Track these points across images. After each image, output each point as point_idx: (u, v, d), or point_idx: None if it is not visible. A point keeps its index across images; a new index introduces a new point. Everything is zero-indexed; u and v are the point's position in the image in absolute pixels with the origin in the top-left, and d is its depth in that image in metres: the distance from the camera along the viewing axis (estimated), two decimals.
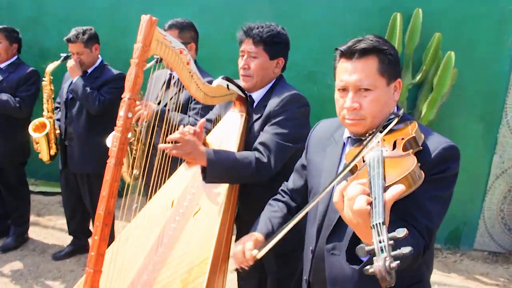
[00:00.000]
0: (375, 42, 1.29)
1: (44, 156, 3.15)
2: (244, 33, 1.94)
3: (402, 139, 1.20)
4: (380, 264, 0.84)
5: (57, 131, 3.17)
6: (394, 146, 1.19)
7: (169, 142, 1.67)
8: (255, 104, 1.98)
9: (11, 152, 3.38)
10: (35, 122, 3.09)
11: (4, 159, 3.39)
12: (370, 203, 0.96)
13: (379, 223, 0.91)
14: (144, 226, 1.78)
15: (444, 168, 1.22)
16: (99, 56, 3.16)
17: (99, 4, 4.35)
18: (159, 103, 2.55)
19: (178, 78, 2.53)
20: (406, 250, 0.85)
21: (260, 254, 1.35)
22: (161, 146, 1.66)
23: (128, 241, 1.73)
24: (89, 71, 3.11)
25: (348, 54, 1.31)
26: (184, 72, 1.67)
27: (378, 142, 1.20)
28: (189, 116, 2.40)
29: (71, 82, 3.06)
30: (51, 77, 3.13)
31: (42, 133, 3.07)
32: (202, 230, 1.67)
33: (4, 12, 4.64)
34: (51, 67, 3.01)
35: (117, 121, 1.42)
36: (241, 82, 1.97)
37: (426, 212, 1.21)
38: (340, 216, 1.17)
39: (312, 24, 3.97)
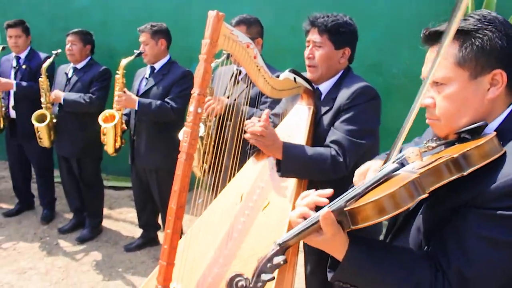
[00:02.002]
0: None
1: (110, 148, 3.23)
2: (309, 23, 1.91)
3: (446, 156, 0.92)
4: None
5: (123, 125, 3.24)
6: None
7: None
8: (322, 97, 1.94)
9: (89, 146, 3.57)
10: (105, 113, 3.18)
11: (83, 153, 3.59)
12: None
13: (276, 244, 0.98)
14: (213, 220, 1.80)
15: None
16: (168, 53, 3.22)
17: (163, 6, 4.49)
18: (228, 98, 2.57)
19: (246, 73, 2.54)
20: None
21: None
22: (246, 136, 1.71)
23: (198, 234, 1.75)
24: (157, 68, 3.18)
25: (424, 40, 1.07)
26: (251, 66, 1.66)
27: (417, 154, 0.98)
28: (261, 110, 2.40)
29: (142, 79, 3.17)
30: (124, 71, 3.20)
31: (111, 124, 3.14)
32: (271, 224, 1.67)
33: (76, 17, 4.90)
34: (124, 61, 3.11)
35: (187, 117, 1.44)
36: (307, 74, 1.94)
37: (464, 251, 0.91)
38: None
39: (376, 14, 3.87)
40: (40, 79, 3.49)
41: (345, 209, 0.96)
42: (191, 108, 1.43)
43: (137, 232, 3.74)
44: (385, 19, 3.86)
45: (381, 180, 0.98)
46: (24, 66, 3.83)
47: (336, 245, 0.99)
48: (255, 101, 2.46)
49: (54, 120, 3.57)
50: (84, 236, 3.71)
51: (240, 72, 2.62)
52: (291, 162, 1.71)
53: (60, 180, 3.93)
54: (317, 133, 1.91)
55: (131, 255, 3.49)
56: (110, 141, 3.18)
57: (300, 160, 1.72)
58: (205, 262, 1.67)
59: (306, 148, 1.77)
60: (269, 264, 0.96)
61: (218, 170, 1.90)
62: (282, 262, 0.95)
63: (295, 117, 1.96)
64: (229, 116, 2.32)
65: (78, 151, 3.58)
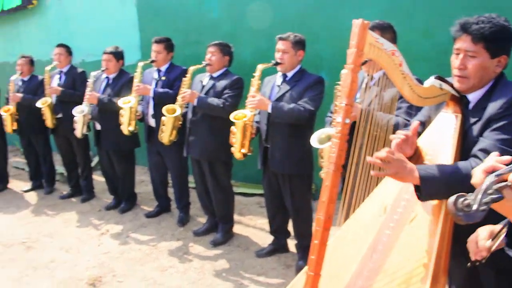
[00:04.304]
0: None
1: (236, 152, 3.25)
2: (460, 29, 1.71)
3: None
4: None
5: (253, 131, 3.27)
6: None
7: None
8: (471, 105, 1.80)
9: (219, 149, 3.73)
10: (237, 112, 3.23)
11: (213, 155, 3.77)
12: None
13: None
14: (355, 231, 1.77)
15: None
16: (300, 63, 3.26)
17: (289, 14, 4.55)
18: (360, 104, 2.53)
19: (378, 79, 2.48)
20: None
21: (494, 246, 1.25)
22: (369, 159, 1.59)
23: (340, 245, 1.74)
24: (289, 75, 3.23)
25: None
26: (396, 74, 1.61)
27: None
28: (396, 115, 2.32)
29: (273, 86, 3.26)
30: (261, 74, 3.24)
31: (241, 120, 3.17)
32: (419, 239, 1.59)
33: (207, 30, 5.20)
34: (261, 66, 3.17)
35: (335, 127, 1.44)
36: (454, 83, 1.82)
37: None
38: None
39: None
40: (184, 78, 3.76)
41: None
42: (338, 118, 1.43)
43: (268, 239, 3.83)
44: None
45: None
46: (163, 78, 4.16)
47: None
48: (391, 107, 2.38)
49: (180, 122, 3.84)
50: (217, 240, 3.90)
51: (372, 77, 2.56)
52: (430, 185, 1.55)
53: (195, 186, 4.17)
54: (465, 144, 1.76)
55: (262, 261, 3.58)
56: (238, 142, 3.20)
57: (439, 181, 1.57)
58: (348, 273, 1.64)
59: (444, 167, 1.62)
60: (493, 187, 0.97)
61: (357, 182, 1.85)
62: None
63: (440, 126, 1.85)
64: (362, 123, 2.27)
65: (208, 153, 3.77)
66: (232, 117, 3.19)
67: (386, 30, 2.53)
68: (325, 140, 2.67)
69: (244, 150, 3.23)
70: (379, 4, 4.02)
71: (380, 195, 1.82)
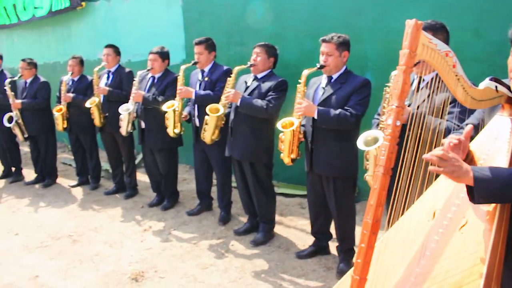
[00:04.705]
0: None
1: (285, 157, 3.28)
2: None
3: None
4: None
5: (301, 136, 3.27)
6: None
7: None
8: None
9: (260, 150, 3.75)
10: (284, 120, 3.25)
11: (254, 157, 3.78)
12: None
13: None
14: (402, 235, 1.73)
15: None
16: (345, 64, 3.21)
17: (333, 14, 4.49)
18: (408, 106, 2.47)
19: (429, 81, 2.42)
20: None
21: None
22: (425, 156, 1.56)
23: (386, 249, 1.71)
24: (335, 77, 3.19)
25: None
26: (450, 76, 1.56)
27: None
28: (446, 120, 2.25)
29: (317, 88, 3.23)
30: (306, 80, 3.21)
31: (289, 129, 3.18)
32: (470, 247, 1.53)
33: (250, 31, 5.21)
34: (306, 72, 3.14)
35: (385, 130, 1.41)
36: (510, 83, 1.75)
37: None
38: None
39: None
40: (228, 78, 3.80)
41: None
42: (389, 121, 1.41)
43: (308, 240, 3.81)
44: None
45: None
46: (206, 79, 4.21)
47: None
48: (441, 110, 2.31)
49: (223, 122, 3.88)
50: (258, 240, 3.90)
51: (422, 80, 2.50)
52: (484, 188, 1.49)
53: (236, 185, 4.19)
54: None
55: (302, 262, 3.56)
56: (286, 149, 3.22)
57: (494, 184, 1.51)
58: (394, 278, 1.61)
59: (500, 170, 1.56)
60: None
61: (404, 186, 1.80)
62: None
63: (495, 129, 1.78)
64: (411, 126, 2.21)
65: (249, 155, 3.79)
66: (279, 126, 3.21)
67: (439, 31, 2.45)
68: (371, 143, 2.63)
69: (293, 156, 3.25)
70: (426, 3, 3.91)
71: (429, 199, 1.77)
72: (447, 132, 2.22)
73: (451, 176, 1.54)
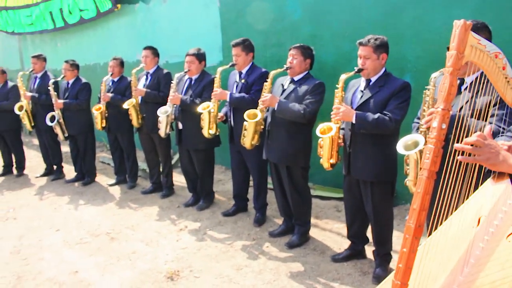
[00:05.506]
0: None
1: (325, 162, 3.27)
2: None
3: None
4: None
5: (340, 141, 3.26)
6: None
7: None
8: None
9: (296, 154, 3.73)
10: (323, 125, 3.23)
11: (290, 160, 3.76)
12: None
13: None
14: (444, 241, 1.68)
15: None
16: (384, 66, 3.15)
17: (372, 15, 4.41)
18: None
19: (471, 83, 2.35)
20: None
21: None
22: (457, 146, 1.48)
23: (427, 256, 1.66)
24: (373, 80, 3.13)
25: None
26: (499, 78, 1.52)
27: None
28: (490, 123, 2.18)
29: (355, 91, 3.19)
30: (343, 85, 3.19)
31: (328, 135, 3.17)
32: None
33: (287, 33, 5.19)
34: (344, 76, 3.11)
35: (430, 132, 1.38)
36: None
37: None
38: None
39: None
40: (265, 83, 3.79)
41: None
42: (434, 123, 1.37)
43: (344, 243, 3.77)
44: None
45: None
46: (243, 81, 4.23)
47: None
48: (484, 113, 2.24)
49: (262, 126, 3.86)
50: (293, 242, 3.88)
51: (464, 82, 2.42)
52: None
53: (272, 186, 4.19)
54: None
55: (338, 265, 3.52)
56: (326, 156, 3.21)
57: None
58: (436, 285, 1.57)
59: None
60: None
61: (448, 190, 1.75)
62: None
63: None
64: (452, 129, 2.15)
65: (286, 158, 3.77)
66: (318, 132, 3.20)
67: (481, 31, 2.36)
68: (411, 147, 2.57)
69: (332, 161, 3.23)
70: (469, 2, 3.80)
71: (474, 205, 1.72)
72: (494, 135, 2.15)
73: (487, 164, 1.48)
